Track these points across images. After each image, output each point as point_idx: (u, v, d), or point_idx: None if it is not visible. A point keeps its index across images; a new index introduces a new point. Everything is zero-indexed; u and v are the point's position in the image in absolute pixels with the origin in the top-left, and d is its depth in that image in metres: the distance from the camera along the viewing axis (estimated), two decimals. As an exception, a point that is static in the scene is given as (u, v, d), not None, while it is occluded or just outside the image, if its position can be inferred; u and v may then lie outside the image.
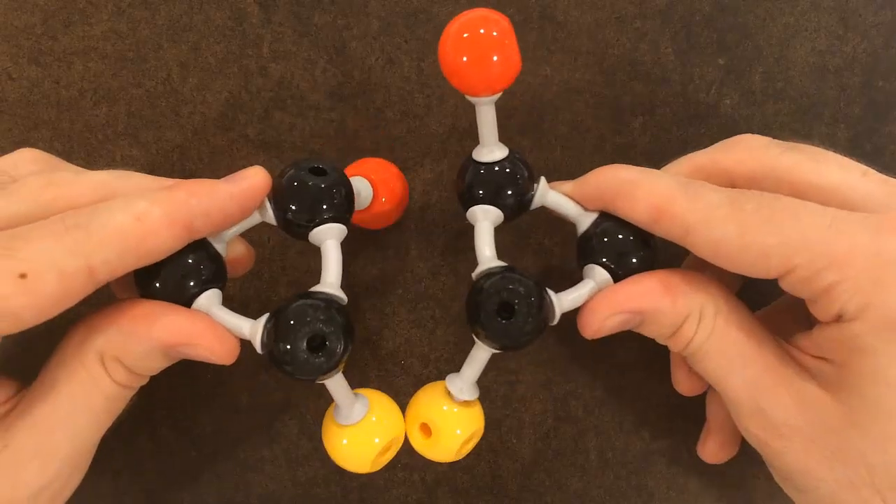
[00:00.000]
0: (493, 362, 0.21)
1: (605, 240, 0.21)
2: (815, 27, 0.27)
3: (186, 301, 0.20)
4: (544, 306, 0.20)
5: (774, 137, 0.28)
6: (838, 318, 0.19)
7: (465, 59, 0.19)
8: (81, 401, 0.19)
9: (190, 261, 0.20)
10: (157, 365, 0.20)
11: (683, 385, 0.26)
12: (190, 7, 0.27)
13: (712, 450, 0.26)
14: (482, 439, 0.28)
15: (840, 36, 0.27)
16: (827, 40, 0.27)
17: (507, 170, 0.22)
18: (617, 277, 0.21)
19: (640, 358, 0.28)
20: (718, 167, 0.22)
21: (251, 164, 0.27)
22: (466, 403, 0.22)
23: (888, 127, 0.28)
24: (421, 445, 0.22)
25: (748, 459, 0.26)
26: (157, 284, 0.20)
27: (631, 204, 0.20)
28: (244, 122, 0.27)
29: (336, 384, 0.20)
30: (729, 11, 0.27)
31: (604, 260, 0.21)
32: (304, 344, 0.18)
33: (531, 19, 0.27)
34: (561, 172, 0.28)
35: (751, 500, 0.29)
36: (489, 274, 0.20)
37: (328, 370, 0.19)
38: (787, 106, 0.27)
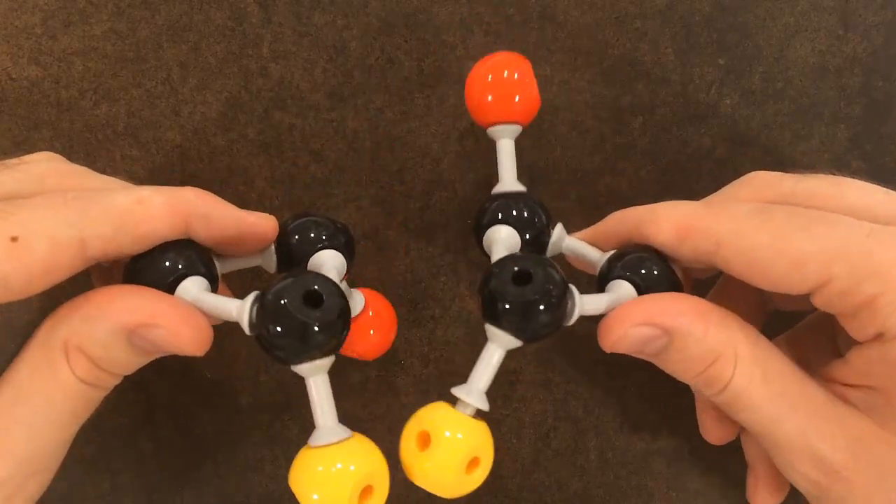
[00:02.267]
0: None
1: (629, 261, 0.20)
2: (815, 27, 0.27)
3: (169, 285, 0.19)
4: (565, 292, 0.19)
5: (774, 137, 0.28)
6: (879, 337, 0.18)
7: (490, 97, 0.21)
8: (41, 397, 0.17)
9: (181, 248, 0.19)
10: (122, 356, 0.18)
11: (713, 433, 0.24)
12: (190, 7, 0.27)
13: (766, 496, 0.24)
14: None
15: (840, 36, 0.27)
16: (827, 40, 0.27)
17: (525, 201, 0.22)
18: (642, 293, 0.20)
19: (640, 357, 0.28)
20: None
21: (251, 165, 0.27)
22: (475, 418, 0.19)
23: (888, 127, 0.28)
24: (415, 462, 0.19)
25: (748, 459, 0.26)
26: (138, 265, 0.19)
27: (655, 227, 0.20)
28: (244, 122, 0.27)
29: (321, 386, 0.19)
30: (729, 11, 0.27)
31: (628, 275, 0.20)
32: (299, 300, 0.17)
33: (531, 19, 0.27)
34: (561, 172, 0.28)
35: (751, 500, 0.29)
36: (507, 256, 0.19)
37: (322, 338, 0.18)
38: (787, 106, 0.27)
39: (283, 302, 0.17)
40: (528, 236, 0.21)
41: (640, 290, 0.20)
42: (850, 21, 0.27)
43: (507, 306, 0.18)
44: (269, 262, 0.21)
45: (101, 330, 0.17)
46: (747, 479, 0.25)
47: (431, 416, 0.19)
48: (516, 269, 0.19)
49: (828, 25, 0.27)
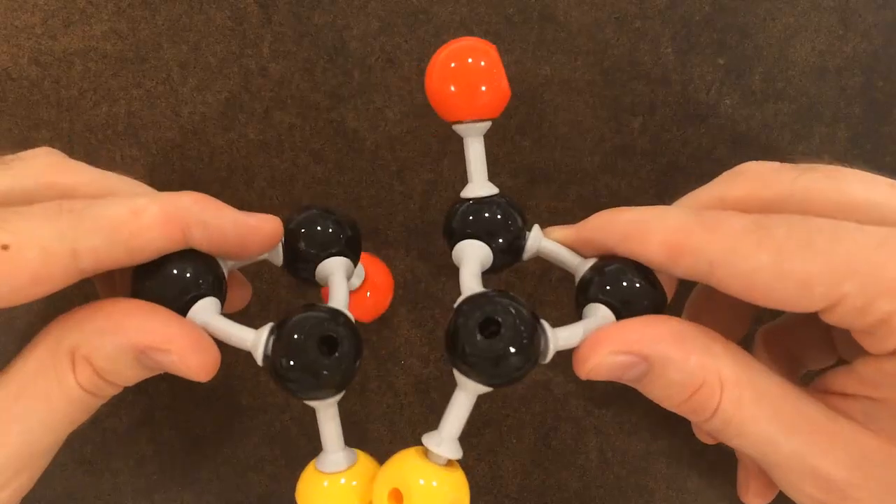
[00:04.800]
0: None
1: (609, 279, 0.19)
2: (815, 27, 0.27)
3: (181, 307, 0.19)
4: (536, 334, 0.17)
5: (774, 137, 0.28)
6: None
7: (452, 88, 0.19)
8: (43, 399, 0.18)
9: (188, 264, 0.19)
10: (127, 371, 0.18)
11: (710, 439, 0.24)
12: (190, 7, 0.27)
13: (758, 491, 0.24)
14: (482, 439, 0.28)
15: (840, 36, 0.27)
16: (827, 40, 0.27)
17: (497, 205, 0.20)
18: (621, 317, 0.19)
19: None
20: (727, 204, 0.20)
21: (251, 165, 0.27)
22: (448, 466, 0.18)
23: (888, 127, 0.28)
24: None
25: (748, 459, 0.26)
26: (150, 283, 0.18)
27: (643, 245, 0.18)
28: (244, 122, 0.27)
29: (330, 416, 0.19)
30: (729, 11, 0.27)
31: (607, 298, 0.19)
32: (315, 345, 0.17)
33: (531, 19, 0.27)
34: (561, 172, 0.28)
35: (751, 499, 0.29)
36: (473, 297, 0.18)
37: (336, 381, 0.18)
38: (787, 106, 0.27)
39: (299, 344, 0.17)
40: (501, 242, 0.20)
41: (619, 314, 0.19)
42: (850, 21, 0.27)
43: (477, 359, 0.17)
44: (276, 257, 0.21)
45: (111, 345, 0.17)
46: (738, 474, 0.25)
47: (402, 471, 0.18)
48: (483, 318, 0.17)
49: (828, 25, 0.27)
